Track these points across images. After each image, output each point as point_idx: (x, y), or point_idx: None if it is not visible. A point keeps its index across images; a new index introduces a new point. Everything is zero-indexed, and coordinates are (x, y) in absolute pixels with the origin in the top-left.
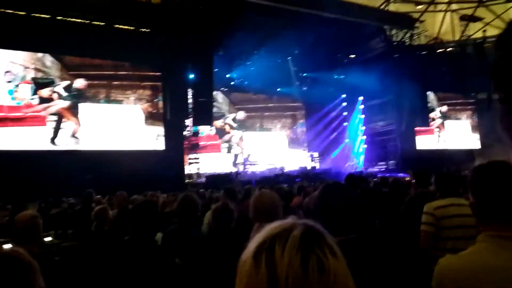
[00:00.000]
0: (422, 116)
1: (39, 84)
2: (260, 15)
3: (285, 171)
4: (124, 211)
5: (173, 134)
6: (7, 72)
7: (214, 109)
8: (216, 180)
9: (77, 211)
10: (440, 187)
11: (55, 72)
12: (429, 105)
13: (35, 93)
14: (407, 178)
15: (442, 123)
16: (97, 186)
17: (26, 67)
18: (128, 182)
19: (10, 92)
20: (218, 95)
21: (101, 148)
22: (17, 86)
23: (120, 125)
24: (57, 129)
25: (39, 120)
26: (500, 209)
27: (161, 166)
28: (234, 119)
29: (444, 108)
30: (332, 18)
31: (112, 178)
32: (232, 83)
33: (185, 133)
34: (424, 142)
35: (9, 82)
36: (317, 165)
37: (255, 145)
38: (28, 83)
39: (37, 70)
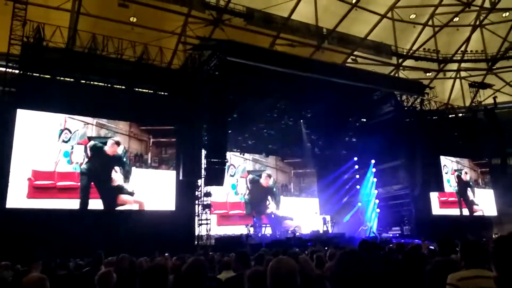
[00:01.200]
0: (436, 181)
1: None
2: (274, 81)
3: (297, 234)
4: (131, 276)
5: (185, 194)
6: (64, 130)
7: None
8: (226, 243)
9: (84, 274)
10: (466, 256)
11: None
12: (445, 169)
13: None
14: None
15: (460, 188)
16: (106, 246)
17: (87, 123)
18: (138, 242)
19: (66, 154)
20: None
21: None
22: (73, 147)
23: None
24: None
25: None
26: None
27: (172, 227)
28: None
29: (459, 173)
30: (345, 83)
31: (122, 238)
32: (244, 145)
33: (196, 193)
34: (439, 207)
35: (66, 142)
36: (330, 229)
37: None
38: (86, 142)
39: (100, 126)
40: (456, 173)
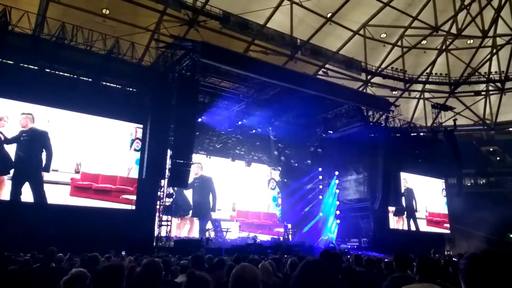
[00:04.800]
0: (395, 196)
1: None
2: (245, 86)
3: (257, 241)
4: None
5: (146, 194)
6: None
7: None
8: (185, 245)
9: (34, 270)
10: (421, 270)
11: None
12: (406, 185)
13: None
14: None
15: (408, 200)
16: (60, 243)
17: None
18: (94, 240)
19: None
20: None
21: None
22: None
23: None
24: None
25: None
26: None
27: (131, 226)
28: None
29: (410, 184)
30: (315, 95)
31: (78, 235)
32: (211, 148)
33: (159, 193)
34: (395, 221)
35: None
36: (290, 237)
37: None
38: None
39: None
40: (414, 189)
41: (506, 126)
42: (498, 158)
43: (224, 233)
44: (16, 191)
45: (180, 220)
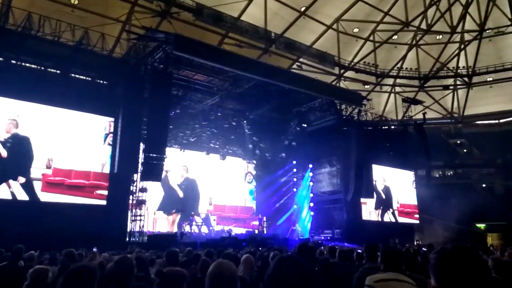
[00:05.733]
0: (367, 188)
1: None
2: (219, 79)
3: (232, 234)
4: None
5: (119, 189)
6: None
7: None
8: (159, 240)
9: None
10: (385, 260)
11: None
12: (385, 183)
13: None
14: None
15: (386, 196)
16: (28, 240)
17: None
18: (64, 237)
19: None
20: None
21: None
22: None
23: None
24: None
25: None
26: None
27: (102, 221)
28: None
29: (388, 182)
30: (290, 88)
31: (46, 232)
32: (185, 141)
33: (131, 188)
34: (368, 213)
35: None
36: (265, 230)
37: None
38: None
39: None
40: (384, 181)
41: (473, 120)
42: (465, 150)
43: (199, 227)
44: None
45: (156, 214)
